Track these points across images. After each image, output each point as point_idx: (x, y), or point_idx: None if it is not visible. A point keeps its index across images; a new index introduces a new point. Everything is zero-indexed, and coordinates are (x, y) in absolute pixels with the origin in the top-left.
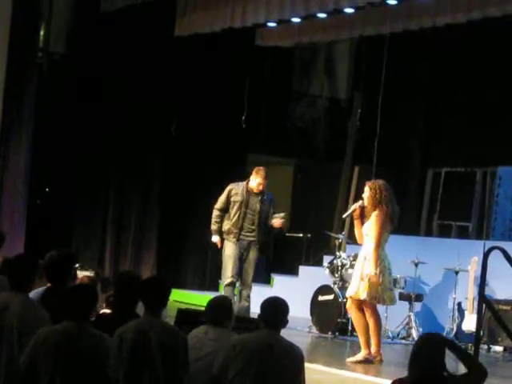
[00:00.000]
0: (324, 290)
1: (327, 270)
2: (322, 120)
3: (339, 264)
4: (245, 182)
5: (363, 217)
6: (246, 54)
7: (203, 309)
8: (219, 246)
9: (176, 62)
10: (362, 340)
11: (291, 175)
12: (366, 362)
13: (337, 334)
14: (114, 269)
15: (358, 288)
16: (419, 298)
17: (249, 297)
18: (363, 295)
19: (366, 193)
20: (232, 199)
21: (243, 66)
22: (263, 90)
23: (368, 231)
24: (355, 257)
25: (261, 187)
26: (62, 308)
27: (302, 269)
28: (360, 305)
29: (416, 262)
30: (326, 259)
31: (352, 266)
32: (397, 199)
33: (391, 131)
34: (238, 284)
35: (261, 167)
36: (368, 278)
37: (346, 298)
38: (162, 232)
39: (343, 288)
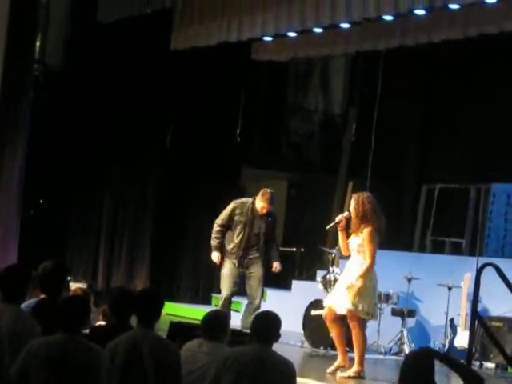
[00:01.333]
0: (317, 304)
1: (320, 285)
2: (317, 134)
3: (332, 279)
4: (250, 202)
5: (348, 228)
6: (242, 68)
7: (196, 322)
8: (218, 263)
9: (172, 75)
10: (340, 350)
11: (285, 189)
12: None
13: (329, 348)
14: (106, 281)
15: (355, 303)
16: (412, 313)
17: (256, 311)
18: (359, 310)
19: (353, 205)
20: (236, 218)
21: (238, 80)
22: (258, 104)
23: (358, 247)
24: None
25: (264, 211)
26: (54, 320)
27: (295, 283)
28: (336, 318)
29: (409, 277)
30: (320, 274)
31: None
32: (390, 215)
33: (386, 146)
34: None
35: (267, 190)
36: (359, 290)
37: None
38: (156, 245)
39: None
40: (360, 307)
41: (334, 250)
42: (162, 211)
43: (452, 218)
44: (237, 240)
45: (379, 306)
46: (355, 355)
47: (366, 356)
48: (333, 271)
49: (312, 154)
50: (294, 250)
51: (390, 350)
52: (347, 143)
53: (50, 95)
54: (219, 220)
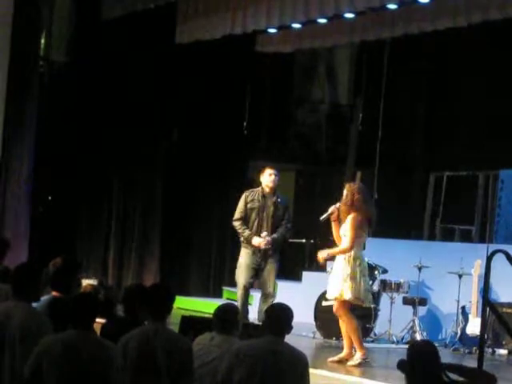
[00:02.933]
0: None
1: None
2: (324, 125)
3: None
4: (259, 188)
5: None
6: (247, 61)
7: (207, 315)
8: (263, 244)
9: (176, 69)
10: (356, 342)
11: (293, 181)
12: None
13: (341, 339)
14: (117, 277)
15: (341, 289)
16: (423, 302)
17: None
18: (347, 295)
19: (344, 195)
20: (249, 206)
21: (244, 73)
22: (264, 96)
23: (345, 232)
24: None
25: (271, 185)
26: (66, 316)
27: (306, 274)
28: (348, 306)
29: (419, 266)
30: (329, 264)
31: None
32: (399, 204)
33: (393, 136)
34: (250, 291)
35: (265, 168)
36: (350, 279)
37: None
38: (165, 239)
39: None
40: (347, 293)
41: None
42: (171, 205)
43: (461, 206)
44: (254, 227)
45: (390, 295)
46: (354, 343)
47: (378, 345)
48: None
49: (319, 144)
50: (304, 241)
51: (402, 338)
52: (354, 133)
53: (55, 92)
54: (236, 215)
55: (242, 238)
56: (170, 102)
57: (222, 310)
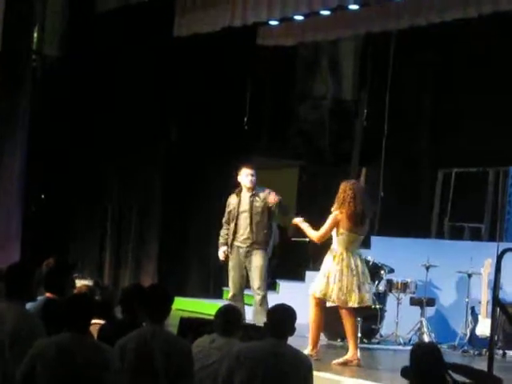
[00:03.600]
0: None
1: None
2: (327, 121)
3: None
4: (237, 190)
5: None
6: (247, 54)
7: (207, 317)
8: (223, 258)
9: (175, 64)
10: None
11: (296, 178)
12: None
13: (346, 340)
14: (114, 277)
15: (325, 289)
16: (431, 302)
17: (261, 303)
18: (332, 296)
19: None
20: (227, 210)
21: (244, 67)
22: (265, 91)
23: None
24: (364, 261)
25: (250, 179)
26: (59, 319)
27: (309, 274)
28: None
29: (427, 265)
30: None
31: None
32: (406, 201)
33: (399, 131)
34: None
35: (242, 165)
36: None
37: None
38: (163, 238)
39: None
40: (329, 295)
41: None
42: (170, 204)
43: (470, 203)
44: (231, 228)
45: (397, 295)
46: (348, 339)
47: (384, 347)
48: None
49: (323, 141)
50: (307, 239)
51: (410, 340)
52: (359, 129)
53: (48, 87)
54: (223, 218)
55: (220, 242)
56: (167, 97)
57: (224, 312)
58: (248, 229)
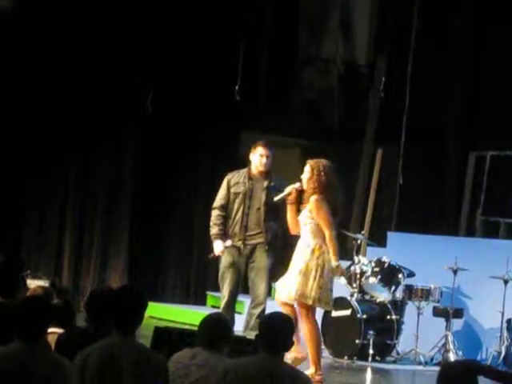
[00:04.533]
0: (339, 303)
1: (343, 279)
2: (337, 90)
3: (358, 271)
4: (246, 169)
5: (300, 203)
6: (240, 8)
7: (188, 327)
8: (219, 254)
9: (152, 17)
10: (311, 354)
11: (298, 159)
12: None
13: (355, 358)
14: (74, 277)
15: (301, 288)
16: (458, 313)
17: (258, 316)
18: (292, 293)
19: (306, 174)
20: (232, 190)
21: (236, 24)
22: (262, 54)
23: (306, 219)
24: (378, 262)
25: (261, 169)
26: (9, 326)
27: None
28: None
29: (455, 268)
30: (342, 265)
31: (374, 274)
32: (430, 190)
33: (423, 104)
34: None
35: (259, 141)
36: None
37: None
38: (135, 231)
39: (363, 301)
40: (291, 290)
41: (360, 236)
42: (142, 190)
43: (508, 194)
44: (237, 216)
45: (417, 304)
46: (309, 354)
47: (402, 367)
48: (358, 262)
49: (331, 114)
50: None
51: (432, 359)
52: (375, 101)
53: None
54: (216, 202)
55: (214, 232)
56: (142, 59)
57: (211, 322)
58: (261, 224)
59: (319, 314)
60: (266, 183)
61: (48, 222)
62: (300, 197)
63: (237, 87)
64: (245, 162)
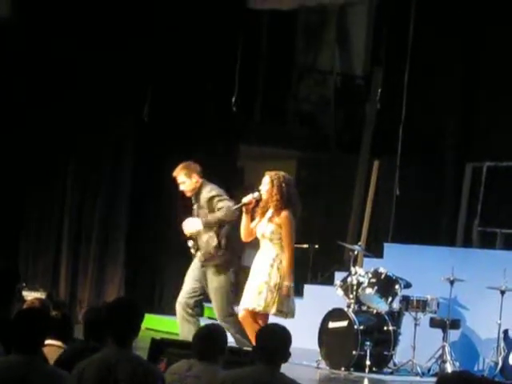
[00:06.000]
0: (336, 314)
1: (339, 290)
2: (333, 101)
3: (355, 282)
4: None
5: (253, 212)
6: (238, 20)
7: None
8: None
9: (149, 28)
10: None
11: (294, 171)
12: None
13: (352, 369)
14: (71, 289)
15: (265, 300)
16: (455, 324)
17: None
18: (272, 310)
19: (266, 186)
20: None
21: (234, 35)
22: (259, 65)
23: (272, 235)
24: (375, 273)
25: (183, 189)
26: (5, 338)
27: (308, 288)
28: (256, 317)
29: (451, 279)
30: (338, 276)
31: (371, 285)
32: (427, 201)
33: (420, 115)
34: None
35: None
36: (277, 290)
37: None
38: (132, 242)
39: (360, 312)
40: (272, 306)
41: (357, 247)
42: (140, 200)
43: (505, 204)
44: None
45: (414, 315)
46: None
47: (399, 378)
48: (355, 273)
49: (327, 126)
50: (307, 246)
51: (429, 370)
52: (371, 112)
53: None
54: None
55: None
56: (140, 69)
57: (205, 332)
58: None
59: (316, 324)
60: (195, 200)
61: (45, 234)
62: (255, 206)
63: (234, 98)
64: (242, 173)
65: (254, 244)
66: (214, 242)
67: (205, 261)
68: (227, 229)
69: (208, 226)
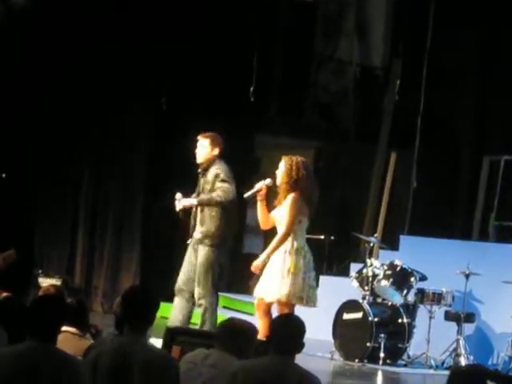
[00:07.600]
0: (350, 306)
1: (355, 282)
2: (352, 93)
3: (370, 274)
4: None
5: (268, 199)
6: (255, 9)
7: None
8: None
9: (167, 19)
10: None
11: (311, 161)
12: None
13: (365, 361)
14: (86, 276)
15: (278, 288)
16: (470, 318)
17: (204, 312)
18: (283, 291)
19: (281, 170)
20: None
21: (252, 25)
22: (277, 55)
23: (282, 218)
24: (390, 265)
25: (198, 152)
26: (22, 324)
27: (324, 279)
28: (269, 309)
29: (467, 272)
30: (354, 268)
31: (386, 277)
32: (443, 193)
33: (438, 108)
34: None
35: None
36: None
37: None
38: (147, 230)
39: (375, 304)
40: (282, 289)
41: (373, 239)
42: (157, 189)
43: None
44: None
45: (429, 308)
46: None
47: (412, 370)
48: (371, 264)
49: (345, 117)
50: (322, 237)
51: (443, 363)
52: (390, 103)
53: (12, 44)
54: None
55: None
56: (157, 59)
57: (232, 325)
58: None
59: (330, 315)
60: (203, 175)
61: (61, 221)
62: (268, 193)
63: (251, 88)
64: (259, 164)
65: (257, 231)
66: (212, 221)
67: (199, 239)
68: (229, 210)
69: (200, 204)
